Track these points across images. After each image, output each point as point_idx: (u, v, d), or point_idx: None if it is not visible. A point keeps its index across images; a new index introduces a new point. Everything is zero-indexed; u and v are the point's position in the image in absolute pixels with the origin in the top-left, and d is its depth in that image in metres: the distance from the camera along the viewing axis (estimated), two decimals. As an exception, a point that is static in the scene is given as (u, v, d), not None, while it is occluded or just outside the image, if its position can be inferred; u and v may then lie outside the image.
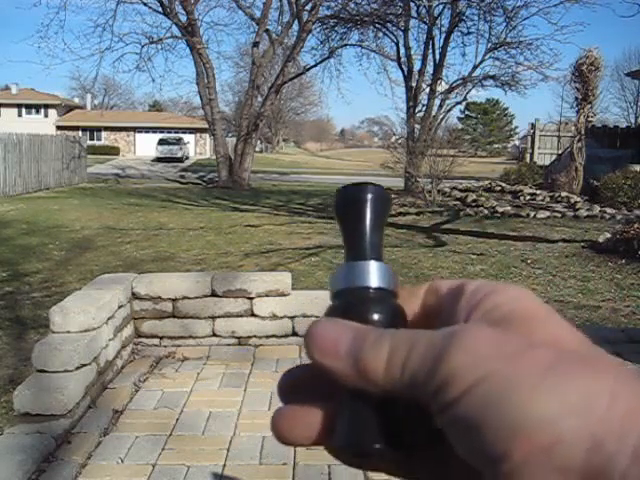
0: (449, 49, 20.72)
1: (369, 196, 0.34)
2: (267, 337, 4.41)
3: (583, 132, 15.48)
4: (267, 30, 20.97)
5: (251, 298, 4.39)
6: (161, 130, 45.16)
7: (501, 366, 0.25)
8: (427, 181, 14.90)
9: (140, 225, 11.27)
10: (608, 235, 8.72)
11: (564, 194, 14.69)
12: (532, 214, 12.49)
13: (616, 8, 19.16)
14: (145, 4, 19.96)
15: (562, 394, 0.24)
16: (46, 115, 45.53)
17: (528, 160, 24.65)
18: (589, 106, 15.42)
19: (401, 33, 21.11)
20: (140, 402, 3.56)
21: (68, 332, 3.43)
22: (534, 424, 0.24)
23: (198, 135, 47.43)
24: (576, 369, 0.25)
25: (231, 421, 3.30)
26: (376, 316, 0.31)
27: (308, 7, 19.83)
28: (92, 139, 44.05)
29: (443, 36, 20.59)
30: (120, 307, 4.02)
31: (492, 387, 0.25)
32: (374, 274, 0.32)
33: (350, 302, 0.32)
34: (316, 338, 0.30)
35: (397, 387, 0.28)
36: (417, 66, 20.94)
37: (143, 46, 20.65)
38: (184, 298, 4.35)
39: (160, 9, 19.87)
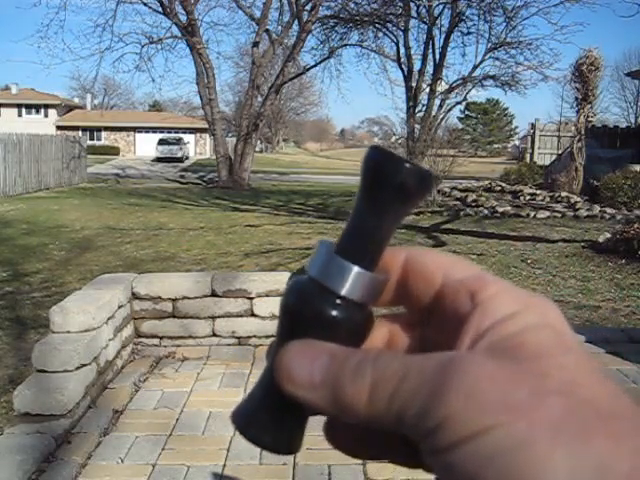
0: (449, 49, 20.73)
1: (403, 180, 0.28)
2: (267, 337, 4.41)
3: (583, 132, 15.47)
4: (267, 30, 20.97)
5: (251, 298, 4.39)
6: (161, 130, 45.18)
7: (507, 418, 0.23)
8: (427, 181, 14.90)
9: (140, 225, 11.27)
10: (608, 235, 8.72)
11: (564, 194, 14.69)
12: (532, 214, 12.49)
13: (616, 8, 19.19)
14: (145, 4, 19.98)
15: (575, 460, 0.21)
16: (46, 115, 45.54)
17: (528, 160, 24.65)
18: (589, 106, 15.42)
19: (401, 33, 21.11)
20: (140, 402, 3.56)
21: (68, 332, 3.43)
22: None
23: (198, 135, 47.44)
24: (591, 429, 0.22)
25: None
26: (337, 331, 0.28)
27: (308, 7, 19.83)
28: (92, 139, 44.06)
29: (443, 36, 20.59)
30: (120, 307, 4.02)
31: (495, 441, 0.22)
32: (350, 282, 0.29)
33: (310, 307, 0.29)
34: (287, 367, 0.27)
35: (380, 421, 0.25)
36: (417, 66, 20.95)
37: (143, 46, 20.68)
38: (184, 298, 4.35)
39: (160, 9, 19.89)
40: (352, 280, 0.29)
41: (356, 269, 0.29)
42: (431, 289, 0.29)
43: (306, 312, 0.29)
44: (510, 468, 0.22)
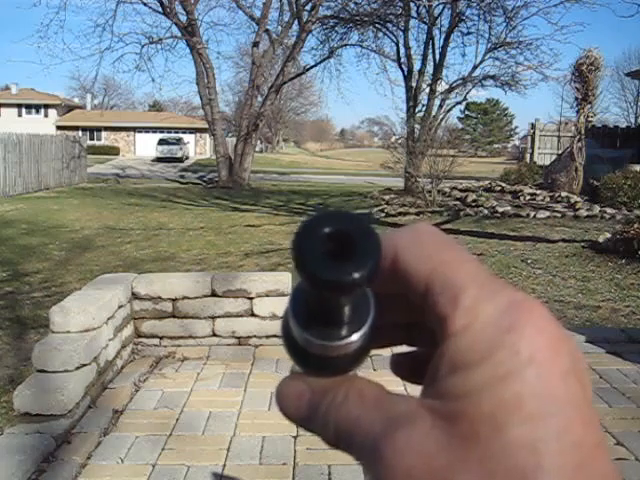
0: (449, 49, 20.71)
1: (358, 278, 0.25)
2: (267, 337, 4.41)
3: (583, 132, 15.46)
4: (267, 30, 20.97)
5: (251, 298, 4.39)
6: (161, 130, 45.17)
7: None
8: (427, 181, 14.90)
9: (140, 225, 11.27)
10: (608, 235, 8.71)
11: (564, 194, 14.68)
12: (532, 214, 12.48)
13: (616, 8, 19.23)
14: (145, 4, 19.97)
15: None
16: (46, 115, 45.53)
17: (528, 160, 24.64)
18: (589, 106, 15.41)
19: (401, 33, 21.11)
20: (140, 402, 3.56)
21: (68, 332, 3.43)
22: None
23: (198, 135, 47.43)
24: None
25: (231, 421, 3.30)
26: (336, 365, 0.30)
27: (308, 7, 19.84)
28: (92, 139, 44.06)
29: (443, 36, 20.58)
30: (120, 307, 4.02)
31: None
32: (342, 351, 0.29)
33: (309, 361, 0.30)
34: (281, 405, 0.31)
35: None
36: (417, 66, 20.94)
37: (143, 46, 20.68)
38: (184, 298, 4.35)
39: (160, 9, 19.89)
40: (341, 350, 0.29)
41: (338, 343, 0.28)
42: (416, 299, 0.27)
43: (307, 360, 0.30)
44: None
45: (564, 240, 9.53)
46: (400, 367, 0.34)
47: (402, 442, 0.24)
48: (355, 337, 0.28)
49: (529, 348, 0.23)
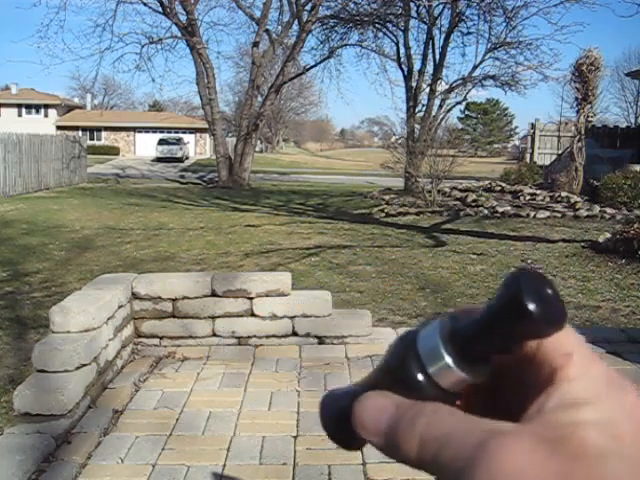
0: (449, 49, 20.69)
1: (541, 324, 0.30)
2: (267, 337, 4.41)
3: (583, 132, 15.45)
4: (267, 30, 20.97)
5: (251, 298, 4.39)
6: (161, 130, 45.16)
7: None
8: (427, 181, 14.89)
9: (140, 225, 11.27)
10: (608, 235, 8.71)
11: (564, 194, 14.67)
12: (532, 214, 12.47)
13: (616, 8, 19.25)
14: (145, 4, 19.97)
15: None
16: (46, 115, 45.53)
17: (528, 160, 24.62)
18: (589, 106, 15.39)
19: (401, 33, 21.10)
20: (140, 402, 3.56)
21: (68, 332, 3.43)
22: None
23: (198, 135, 47.43)
24: None
25: (231, 421, 3.30)
26: (414, 394, 0.33)
27: (308, 7, 19.83)
28: (92, 139, 44.05)
29: (443, 36, 20.57)
30: (120, 307, 4.02)
31: None
32: (438, 370, 0.33)
33: (403, 369, 0.34)
34: (360, 416, 0.33)
35: (426, 469, 0.30)
36: (417, 66, 20.94)
37: (143, 46, 20.68)
38: (184, 298, 4.35)
39: (160, 9, 19.88)
40: (440, 369, 0.33)
41: (448, 362, 0.33)
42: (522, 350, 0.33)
43: (399, 372, 0.34)
44: None
45: (564, 240, 9.53)
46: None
47: (511, 448, 0.27)
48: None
49: (631, 404, 0.28)
